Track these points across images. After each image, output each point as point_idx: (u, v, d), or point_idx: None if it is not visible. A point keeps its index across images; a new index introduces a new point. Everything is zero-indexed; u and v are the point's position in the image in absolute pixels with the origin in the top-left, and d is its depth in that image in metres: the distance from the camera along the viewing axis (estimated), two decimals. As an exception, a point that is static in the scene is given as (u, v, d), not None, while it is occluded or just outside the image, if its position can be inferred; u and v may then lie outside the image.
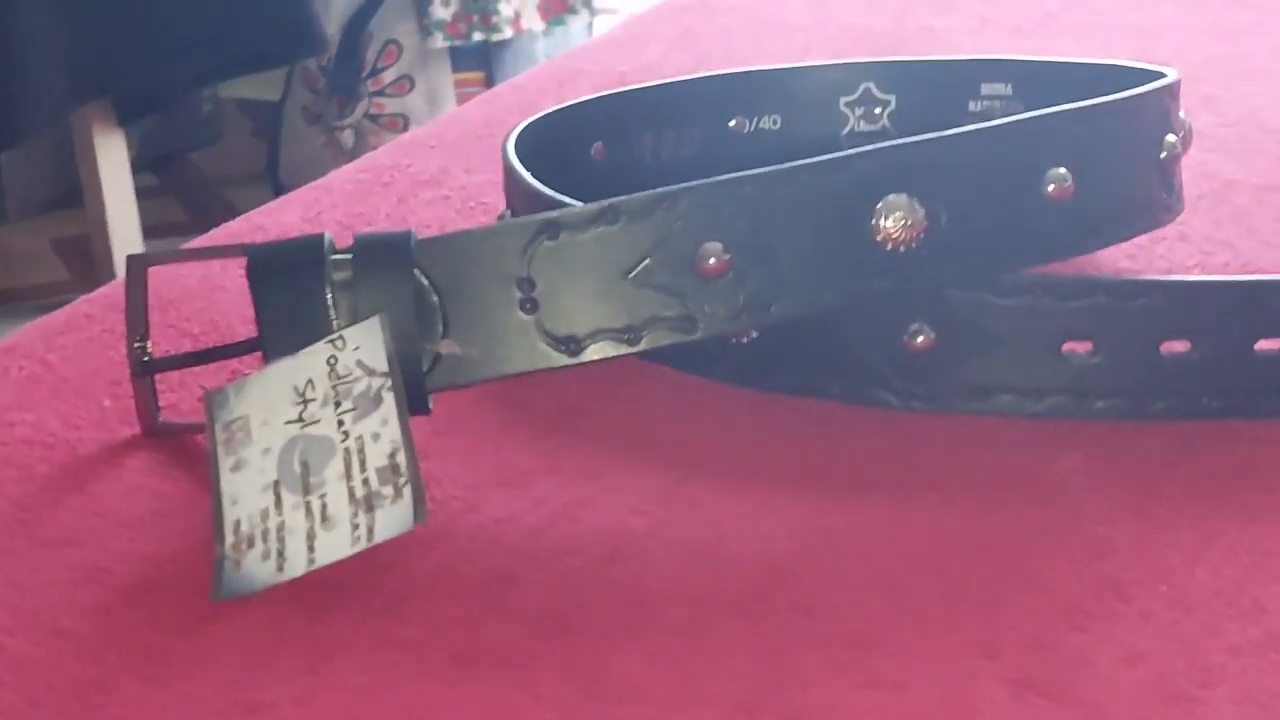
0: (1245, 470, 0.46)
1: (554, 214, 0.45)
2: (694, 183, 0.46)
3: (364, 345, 0.44)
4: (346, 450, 0.42)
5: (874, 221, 0.46)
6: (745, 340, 0.50)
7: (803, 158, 0.68)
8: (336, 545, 0.41)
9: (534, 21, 2.21)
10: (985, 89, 0.67)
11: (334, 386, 0.43)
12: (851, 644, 0.38)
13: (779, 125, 0.69)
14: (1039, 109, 0.63)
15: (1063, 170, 0.48)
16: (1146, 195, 0.51)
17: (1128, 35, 0.92)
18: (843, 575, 0.41)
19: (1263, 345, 0.48)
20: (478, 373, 0.45)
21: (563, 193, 0.53)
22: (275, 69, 2.05)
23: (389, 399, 0.43)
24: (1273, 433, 0.47)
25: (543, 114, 0.63)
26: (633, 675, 0.38)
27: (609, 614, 0.40)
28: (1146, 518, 0.43)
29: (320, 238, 0.45)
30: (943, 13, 0.96)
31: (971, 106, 0.67)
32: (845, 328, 0.49)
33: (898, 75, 0.68)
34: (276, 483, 0.42)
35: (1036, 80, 0.66)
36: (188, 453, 0.48)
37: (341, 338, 0.44)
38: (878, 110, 0.69)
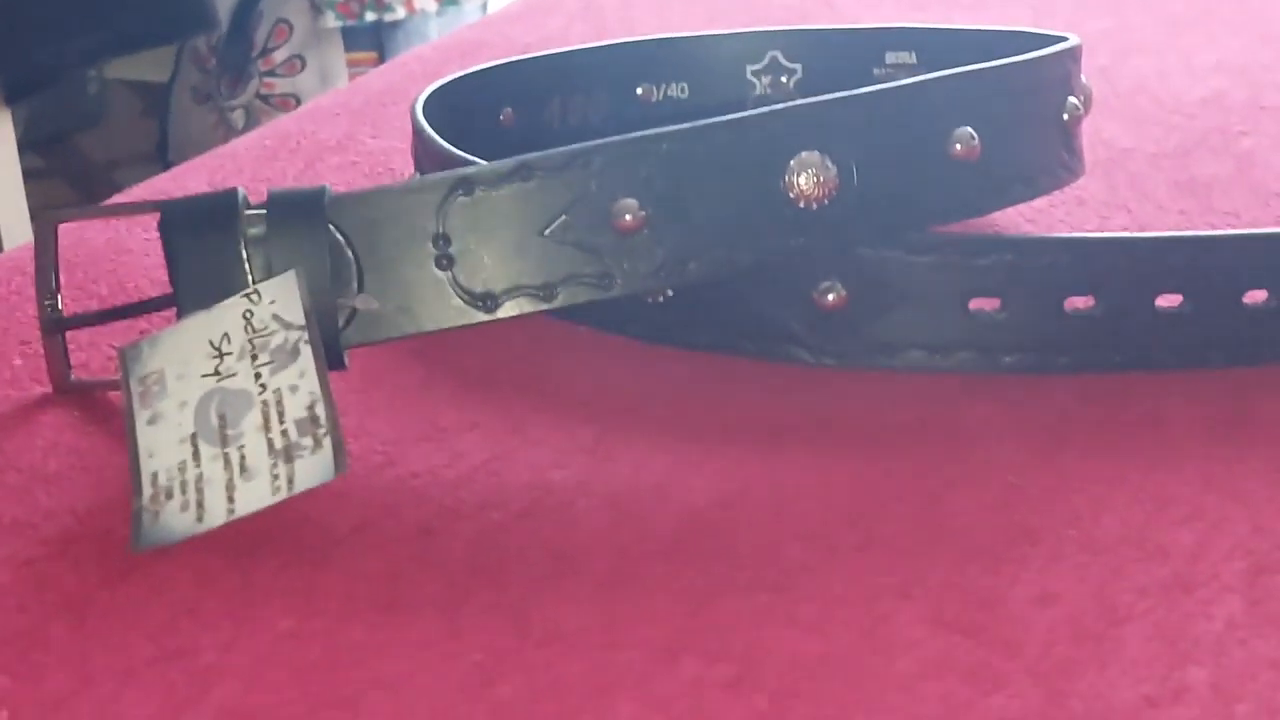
0: (1147, 421, 0.47)
1: (468, 170, 0.46)
2: (608, 140, 0.46)
3: (280, 299, 0.44)
4: (264, 403, 0.42)
5: (787, 179, 0.46)
6: (661, 299, 0.51)
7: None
8: (256, 495, 0.41)
9: (427, 2, 2.20)
10: (890, 57, 0.68)
11: (250, 340, 0.43)
12: (772, 588, 0.39)
13: (686, 93, 0.70)
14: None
15: (969, 130, 0.48)
16: (1049, 156, 0.52)
17: (1021, 9, 0.94)
18: (762, 525, 0.42)
19: (1162, 301, 0.49)
20: (394, 329, 0.45)
21: (472, 156, 0.53)
22: (165, 46, 2.03)
23: (306, 352, 0.43)
24: (1173, 385, 0.48)
25: (450, 79, 0.63)
26: (557, 620, 0.38)
27: (532, 564, 0.40)
28: (1054, 467, 0.44)
29: (234, 192, 0.45)
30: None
31: (876, 73, 0.68)
32: (758, 285, 0.50)
33: (804, 43, 0.69)
34: (194, 435, 0.42)
35: (940, 47, 0.67)
36: (101, 410, 0.47)
37: (257, 292, 0.44)
38: (784, 79, 0.69)
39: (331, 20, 2.11)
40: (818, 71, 0.69)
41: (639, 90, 0.69)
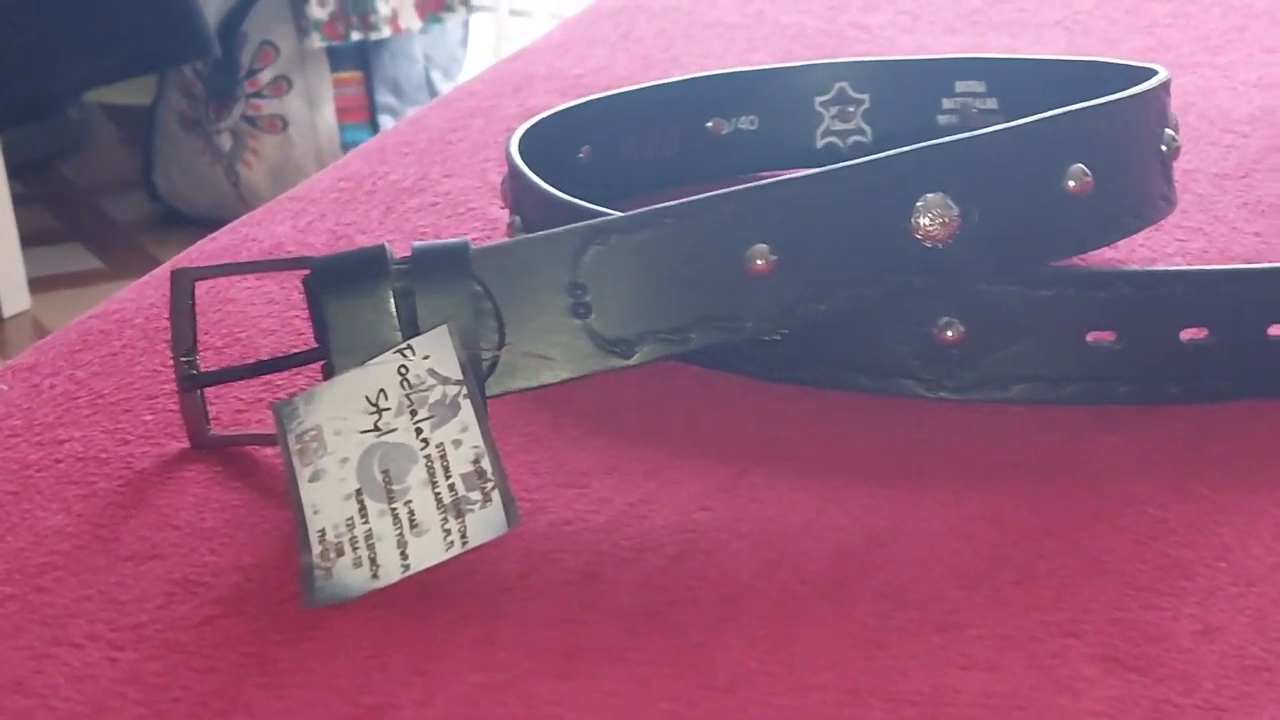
0: (1272, 448, 0.48)
1: (603, 220, 0.47)
2: (738, 188, 0.47)
3: (434, 354, 0.45)
4: (428, 458, 0.43)
5: (912, 220, 0.47)
6: (776, 337, 0.52)
7: (780, 156, 0.70)
8: (430, 551, 0.41)
9: (411, 20, 2.20)
10: (959, 86, 0.69)
11: (408, 395, 0.44)
12: (941, 629, 0.40)
13: (756, 125, 0.71)
14: (1015, 105, 0.66)
15: (1082, 166, 0.50)
16: (1153, 188, 0.54)
17: (1055, 30, 0.95)
18: (916, 563, 0.43)
19: (1275, 330, 0.50)
20: (534, 378, 0.46)
21: (564, 194, 0.54)
22: (164, 71, 2.03)
23: (466, 406, 0.44)
24: (1288, 412, 0.50)
25: (534, 120, 0.64)
26: (739, 665, 0.39)
27: (701, 607, 0.41)
28: (1193, 498, 0.45)
29: (382, 248, 0.46)
30: (873, 10, 0.98)
31: (945, 104, 0.69)
32: (873, 322, 0.51)
33: (871, 74, 0.70)
34: (359, 491, 0.43)
35: (1010, 77, 0.68)
36: (242, 464, 0.48)
37: (410, 347, 0.45)
38: (851, 109, 0.70)
39: (317, 41, 2.11)
40: (885, 102, 0.70)
41: (709, 124, 0.70)
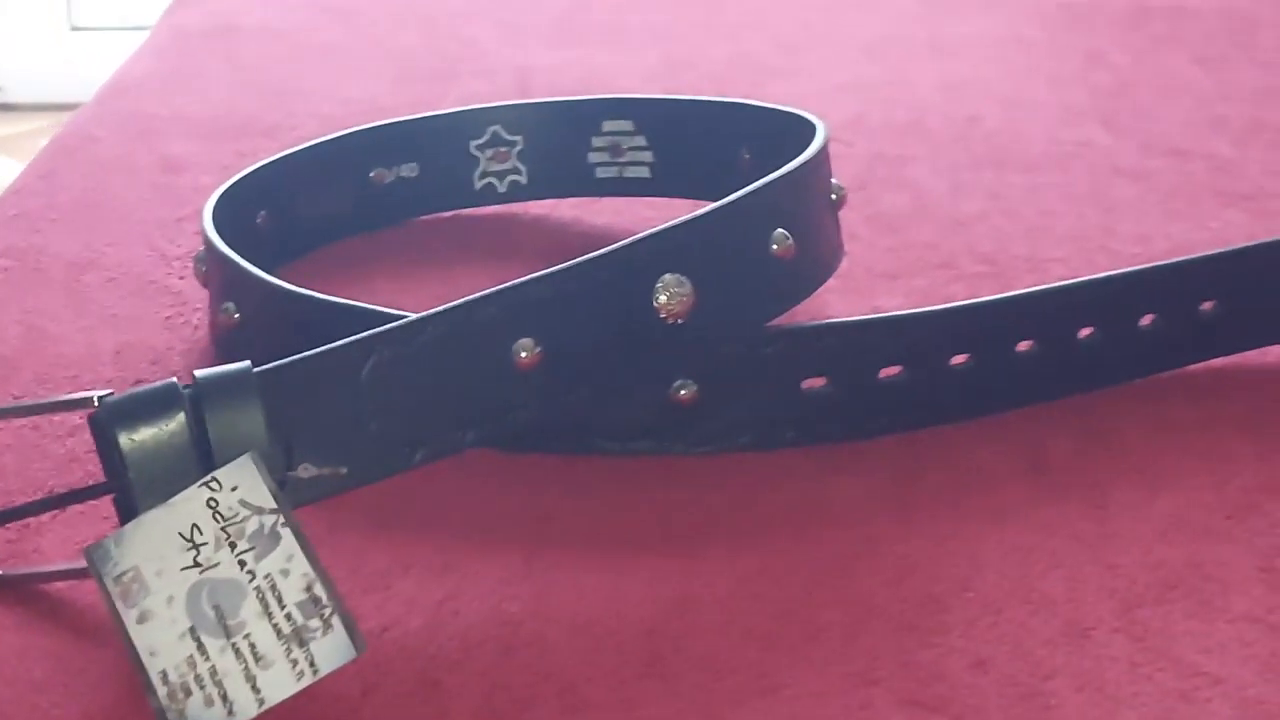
0: (971, 475, 0.55)
1: (378, 331, 0.49)
2: (497, 289, 0.50)
3: (242, 484, 0.46)
4: (258, 589, 0.45)
5: (654, 300, 0.51)
6: None
7: (442, 200, 0.73)
8: (281, 682, 0.43)
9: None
10: (608, 125, 0.73)
11: (223, 528, 0.46)
12: (763, 693, 0.45)
13: (417, 172, 0.73)
14: (664, 144, 0.71)
15: (784, 231, 0.55)
16: (833, 238, 0.59)
17: (647, 39, 1.00)
18: (715, 629, 0.47)
19: (955, 360, 0.57)
20: (333, 488, 0.48)
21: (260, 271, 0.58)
22: None
23: (287, 534, 0.45)
24: (983, 434, 0.56)
25: (216, 196, 0.65)
26: (596, 756, 0.43)
27: (545, 702, 0.44)
28: (923, 531, 0.51)
29: (172, 383, 0.47)
30: (472, 22, 1.01)
31: (595, 143, 0.73)
32: (614, 391, 0.55)
33: (523, 117, 0.74)
34: (193, 629, 0.44)
35: (657, 116, 0.73)
36: (43, 603, 0.49)
37: (215, 479, 0.46)
38: (505, 150, 0.74)
39: None
40: (538, 142, 0.74)
41: (373, 174, 0.73)
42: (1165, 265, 0.60)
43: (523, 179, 0.74)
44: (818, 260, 0.57)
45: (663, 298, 0.52)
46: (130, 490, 0.46)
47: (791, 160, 0.57)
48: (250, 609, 0.45)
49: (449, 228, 0.74)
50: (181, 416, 0.47)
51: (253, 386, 0.48)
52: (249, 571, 0.45)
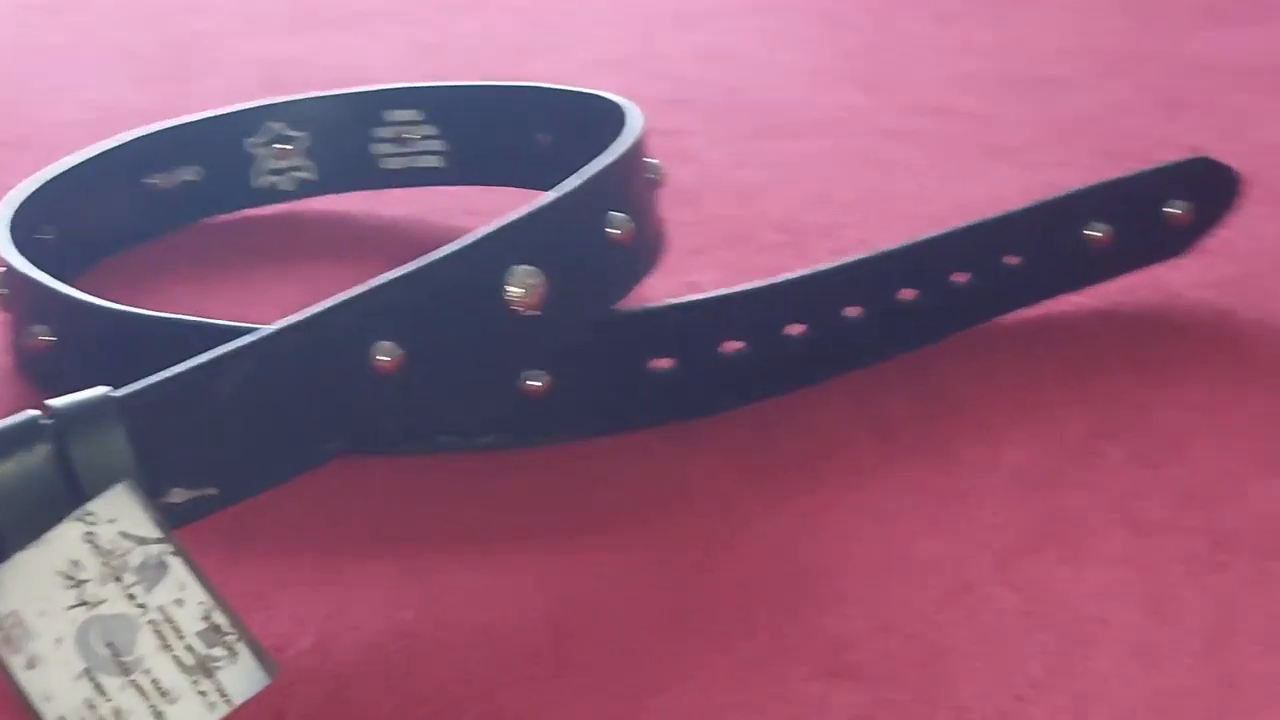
0: (823, 442, 0.55)
1: (241, 345, 0.47)
2: (352, 293, 0.48)
3: (120, 515, 0.44)
4: (152, 623, 0.43)
5: (506, 292, 0.51)
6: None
7: (226, 201, 0.71)
8: (194, 715, 0.42)
9: None
10: (391, 115, 0.72)
11: (106, 563, 0.44)
12: (680, 679, 0.45)
13: (200, 175, 0.71)
14: (454, 130, 0.70)
15: (623, 215, 0.55)
16: (657, 219, 0.60)
17: (390, 23, 0.99)
18: (620, 622, 0.47)
19: (792, 330, 0.58)
20: (204, 510, 0.47)
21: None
22: None
23: (176, 562, 0.44)
24: (825, 401, 0.57)
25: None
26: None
27: (465, 715, 0.44)
28: (790, 504, 0.52)
29: (32, 415, 0.45)
30: (201, 14, 0.98)
31: (380, 134, 0.72)
32: (463, 385, 0.54)
33: (304, 112, 0.72)
34: (88, 670, 0.42)
35: (444, 104, 0.72)
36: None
37: (90, 513, 0.44)
38: (289, 147, 0.72)
39: None
40: (322, 136, 0.72)
41: (152, 180, 0.70)
42: (975, 225, 0.62)
43: (308, 175, 0.73)
44: (651, 241, 0.57)
45: (516, 290, 0.51)
46: (-5, 531, 0.44)
47: (597, 142, 0.57)
48: (147, 643, 0.43)
49: (236, 229, 0.71)
50: (45, 449, 0.44)
51: (114, 412, 0.45)
52: (140, 605, 0.43)
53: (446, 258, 0.50)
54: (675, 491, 0.53)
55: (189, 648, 0.43)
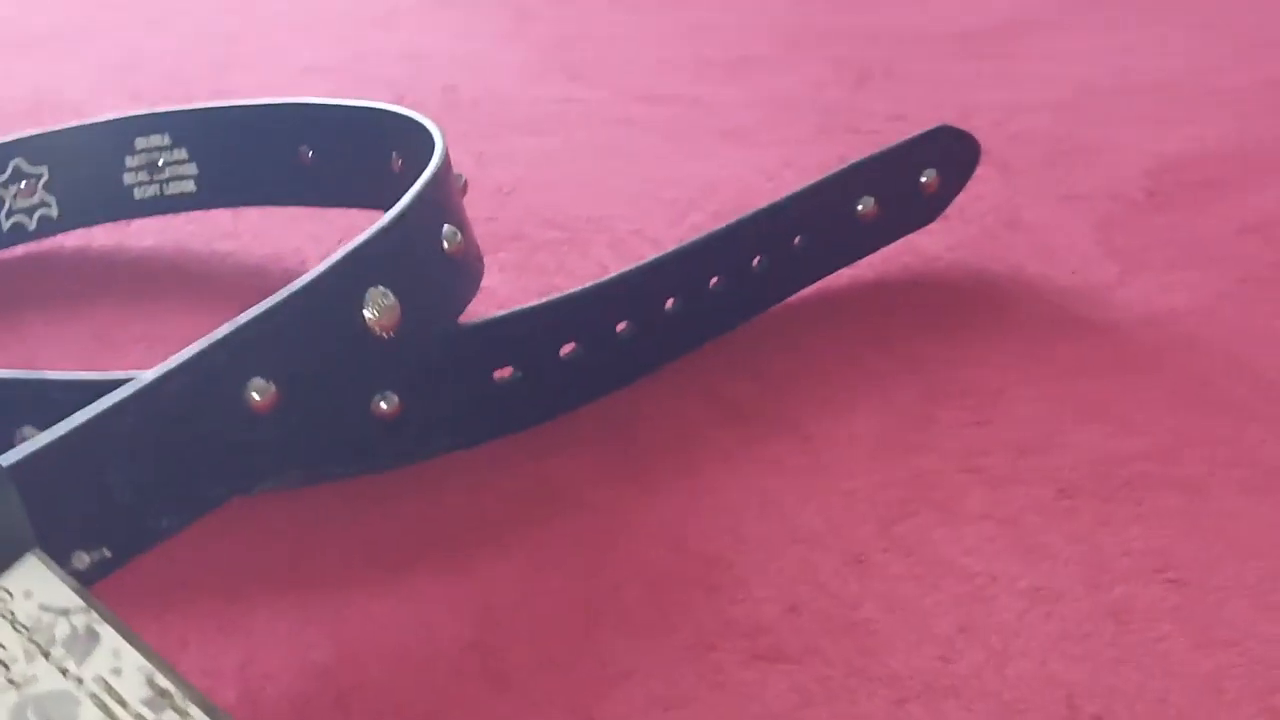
0: (680, 430, 0.57)
1: (123, 397, 0.45)
2: (226, 330, 0.47)
3: (35, 587, 0.42)
4: (93, 695, 0.41)
5: (364, 316, 0.50)
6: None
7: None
8: (157, 787, 0.40)
9: None
10: (141, 143, 0.70)
11: (30, 639, 0.42)
12: (616, 681, 0.45)
13: (-59, 223, 0.68)
14: (204, 153, 0.69)
15: (450, 227, 0.54)
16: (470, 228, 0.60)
17: (71, 38, 0.95)
18: (534, 632, 0.47)
19: (621, 327, 0.59)
20: (101, 572, 0.45)
21: None
22: None
23: (105, 629, 0.42)
24: (669, 389, 0.58)
25: None
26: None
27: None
28: (667, 496, 0.53)
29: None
30: None
31: (130, 162, 0.70)
32: (330, 418, 0.53)
33: (46, 146, 0.69)
34: (31, 755, 0.40)
35: (193, 127, 0.70)
36: None
37: (2, 588, 0.42)
38: (30, 182, 0.69)
39: None
40: (67, 171, 0.69)
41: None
42: (769, 209, 0.63)
43: (53, 211, 0.69)
44: (476, 252, 0.57)
45: (372, 313, 0.50)
46: (-98, 621, 0.41)
47: (362, 152, 0.57)
48: (90, 717, 0.41)
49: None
50: (-61, 527, 0.42)
51: (6, 480, 0.43)
52: (75, 678, 0.41)
53: (307, 286, 0.49)
54: (548, 496, 0.53)
55: (139, 716, 0.41)
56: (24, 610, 0.41)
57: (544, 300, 0.57)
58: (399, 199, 0.57)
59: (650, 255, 0.60)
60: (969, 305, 0.66)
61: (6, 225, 0.69)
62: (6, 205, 0.69)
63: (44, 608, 0.42)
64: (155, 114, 0.70)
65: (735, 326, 0.63)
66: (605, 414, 0.57)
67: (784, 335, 0.62)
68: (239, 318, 0.48)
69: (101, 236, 0.71)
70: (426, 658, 0.46)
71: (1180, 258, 0.69)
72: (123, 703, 0.41)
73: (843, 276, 0.67)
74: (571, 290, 0.58)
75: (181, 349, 0.58)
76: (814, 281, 0.66)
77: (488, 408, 0.56)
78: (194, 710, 0.41)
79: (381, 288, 0.50)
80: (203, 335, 0.54)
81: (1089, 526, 0.51)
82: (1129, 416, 0.56)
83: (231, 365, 0.47)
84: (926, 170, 0.68)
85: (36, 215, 0.69)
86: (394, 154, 0.62)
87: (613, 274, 0.59)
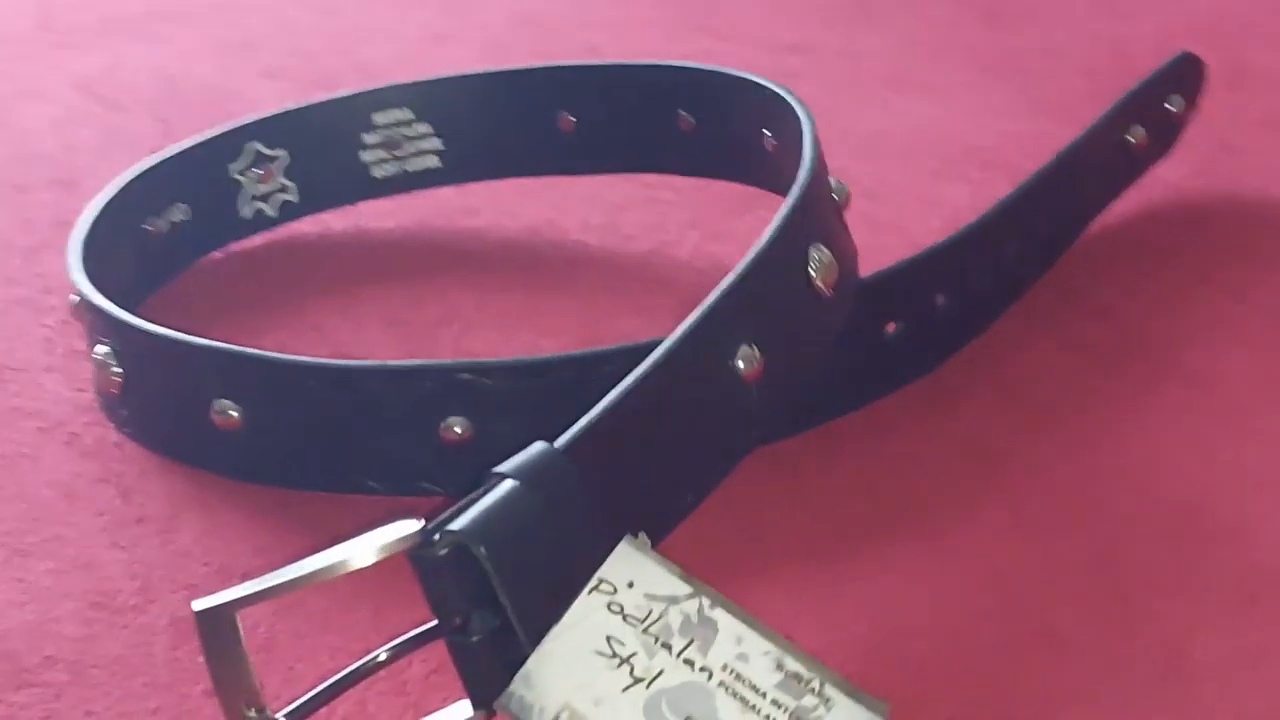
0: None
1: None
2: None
3: (636, 576, 0.40)
4: (724, 685, 0.39)
5: (809, 270, 0.48)
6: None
7: (216, 237, 0.64)
8: (821, 775, 0.38)
9: None
10: (379, 118, 0.66)
11: (645, 631, 0.39)
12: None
13: (190, 214, 0.64)
14: (449, 127, 0.65)
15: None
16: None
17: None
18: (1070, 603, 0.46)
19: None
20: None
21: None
22: None
23: (720, 614, 0.40)
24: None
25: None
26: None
27: None
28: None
29: (518, 484, 0.39)
30: None
31: (368, 140, 0.67)
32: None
33: (282, 127, 0.66)
34: (675, 750, 0.38)
35: (434, 98, 0.67)
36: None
37: (603, 581, 0.40)
38: (271, 167, 0.65)
39: None
40: (305, 153, 0.66)
41: (148, 227, 0.62)
42: (1064, 152, 0.63)
43: (294, 197, 0.66)
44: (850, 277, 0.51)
45: (816, 271, 0.48)
46: (516, 617, 0.39)
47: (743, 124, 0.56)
48: (728, 709, 0.39)
49: (227, 268, 0.64)
50: (557, 518, 0.39)
51: (565, 464, 0.41)
52: (703, 669, 0.39)
53: (766, 245, 0.47)
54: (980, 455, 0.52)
55: (775, 703, 0.39)
56: (631, 602, 0.39)
57: (921, 253, 0.56)
58: (773, 175, 0.55)
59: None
60: (1254, 228, 0.66)
61: (249, 213, 0.65)
62: (247, 192, 0.65)
63: (650, 597, 0.39)
64: (394, 87, 0.67)
65: (1052, 265, 0.62)
66: (971, 365, 0.56)
67: (1096, 274, 0.62)
68: (720, 285, 0.45)
69: (334, 221, 0.67)
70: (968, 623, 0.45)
71: None
72: (757, 690, 0.39)
73: (1111, 214, 0.66)
74: (939, 242, 0.57)
75: (491, 328, 0.55)
76: (1095, 218, 0.65)
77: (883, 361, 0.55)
78: (833, 692, 0.39)
79: (820, 244, 0.49)
80: (498, 313, 0.51)
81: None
82: None
83: (724, 334, 0.45)
84: (1172, 98, 0.67)
85: (277, 201, 0.65)
86: (764, 130, 0.59)
87: (963, 226, 0.58)
